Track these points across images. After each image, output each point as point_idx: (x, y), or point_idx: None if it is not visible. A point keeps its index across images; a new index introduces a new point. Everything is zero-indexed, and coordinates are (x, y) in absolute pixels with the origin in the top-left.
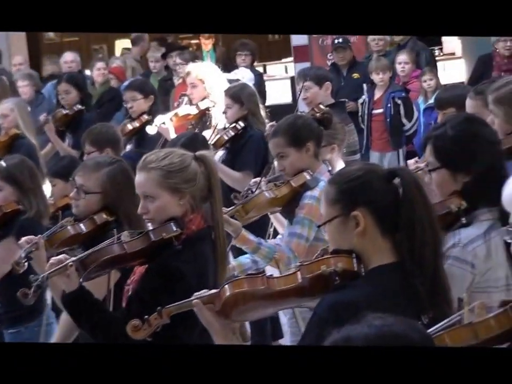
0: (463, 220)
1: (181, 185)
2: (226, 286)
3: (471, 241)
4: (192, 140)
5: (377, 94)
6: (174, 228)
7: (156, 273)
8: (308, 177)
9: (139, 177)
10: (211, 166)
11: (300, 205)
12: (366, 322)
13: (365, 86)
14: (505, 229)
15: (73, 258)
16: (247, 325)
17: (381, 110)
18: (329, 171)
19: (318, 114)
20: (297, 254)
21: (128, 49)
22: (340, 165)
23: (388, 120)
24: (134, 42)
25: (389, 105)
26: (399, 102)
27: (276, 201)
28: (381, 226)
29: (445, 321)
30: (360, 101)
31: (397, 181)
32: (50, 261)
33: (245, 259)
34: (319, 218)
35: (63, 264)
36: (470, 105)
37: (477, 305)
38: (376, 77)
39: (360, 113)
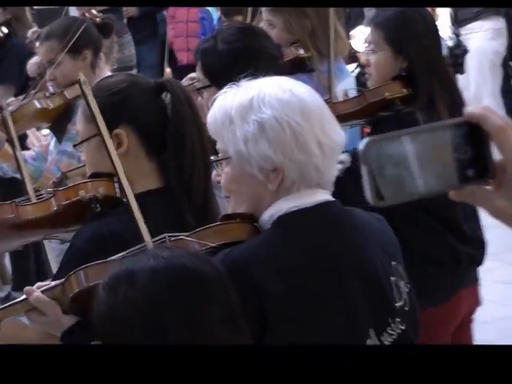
0: None
1: None
2: None
3: None
4: None
5: None
6: None
7: None
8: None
9: None
10: None
11: (72, 120)
12: (152, 254)
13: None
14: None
15: None
16: (7, 266)
17: None
18: None
19: (98, 19)
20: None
21: None
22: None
23: None
24: None
25: None
26: None
27: (47, 113)
28: (146, 146)
29: None
30: None
31: (165, 95)
32: None
33: None
34: None
35: None
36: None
37: None
38: None
39: None
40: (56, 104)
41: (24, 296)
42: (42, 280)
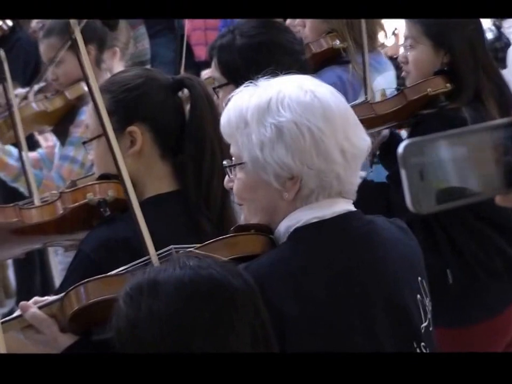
0: None
1: None
2: None
3: None
4: None
5: None
6: None
7: None
8: (86, 89)
9: None
10: None
11: (75, 122)
12: (178, 263)
13: None
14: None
15: None
16: (11, 279)
17: None
18: None
19: None
20: None
21: None
22: None
23: None
24: None
25: None
26: None
27: (46, 115)
28: (161, 146)
29: None
30: None
31: (183, 93)
32: None
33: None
34: None
35: None
36: None
37: None
38: None
39: None
40: (55, 106)
41: (19, 312)
42: (48, 295)
